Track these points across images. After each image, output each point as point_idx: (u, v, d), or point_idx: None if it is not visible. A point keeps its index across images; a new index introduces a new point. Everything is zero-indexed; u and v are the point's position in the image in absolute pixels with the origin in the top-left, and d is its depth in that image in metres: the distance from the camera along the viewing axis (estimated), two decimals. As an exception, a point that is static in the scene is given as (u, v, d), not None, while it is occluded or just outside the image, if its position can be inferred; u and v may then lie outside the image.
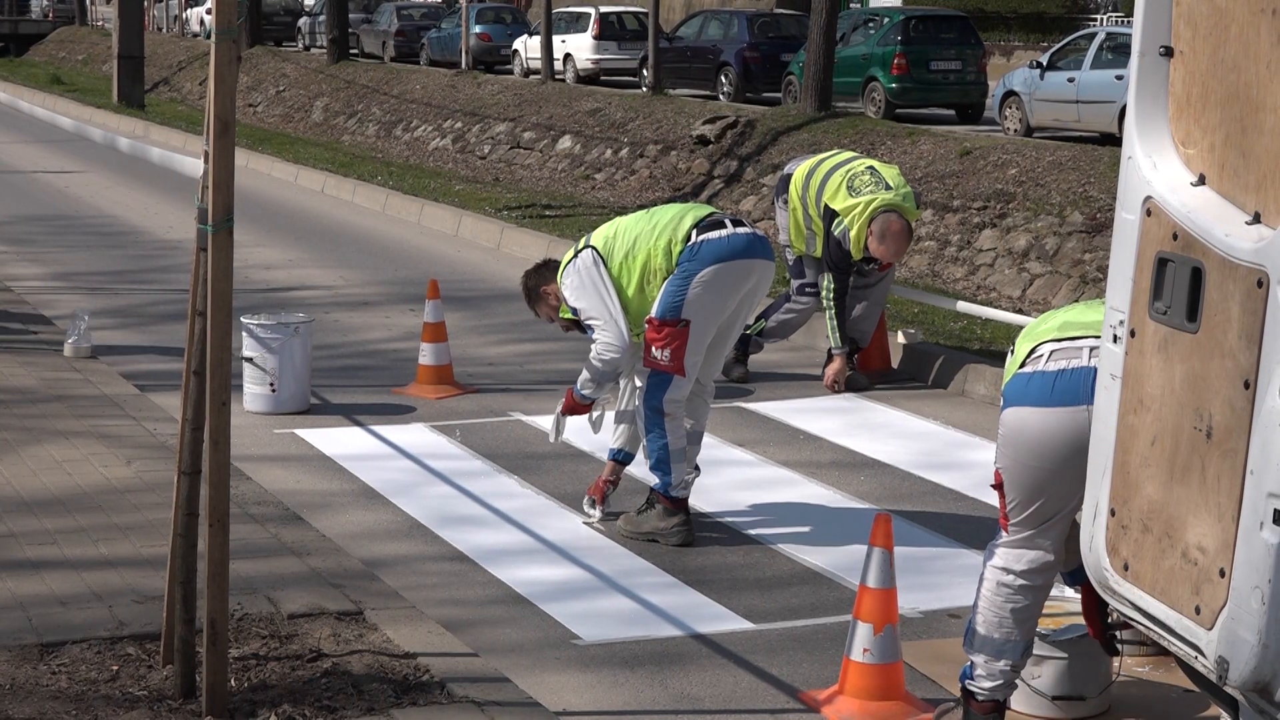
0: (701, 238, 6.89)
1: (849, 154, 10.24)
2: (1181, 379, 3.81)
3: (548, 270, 7.34)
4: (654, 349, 6.90)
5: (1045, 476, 4.76)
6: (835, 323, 9.65)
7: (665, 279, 6.92)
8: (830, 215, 9.53)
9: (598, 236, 7.14)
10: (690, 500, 7.30)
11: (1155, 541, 3.91)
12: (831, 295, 9.64)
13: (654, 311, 6.90)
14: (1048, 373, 4.72)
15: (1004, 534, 4.93)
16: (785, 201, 9.93)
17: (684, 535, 6.95)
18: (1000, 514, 4.96)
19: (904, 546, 6.12)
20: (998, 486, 4.93)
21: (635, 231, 7.03)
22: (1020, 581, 4.88)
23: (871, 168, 9.66)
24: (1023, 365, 4.83)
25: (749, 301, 7.09)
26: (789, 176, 9.96)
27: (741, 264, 6.91)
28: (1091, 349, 4.64)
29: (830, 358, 9.80)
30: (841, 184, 9.55)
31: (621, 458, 7.30)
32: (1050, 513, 4.82)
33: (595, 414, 7.36)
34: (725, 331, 7.10)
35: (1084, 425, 4.54)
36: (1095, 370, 4.49)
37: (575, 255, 7.13)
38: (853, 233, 9.44)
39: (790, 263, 10.04)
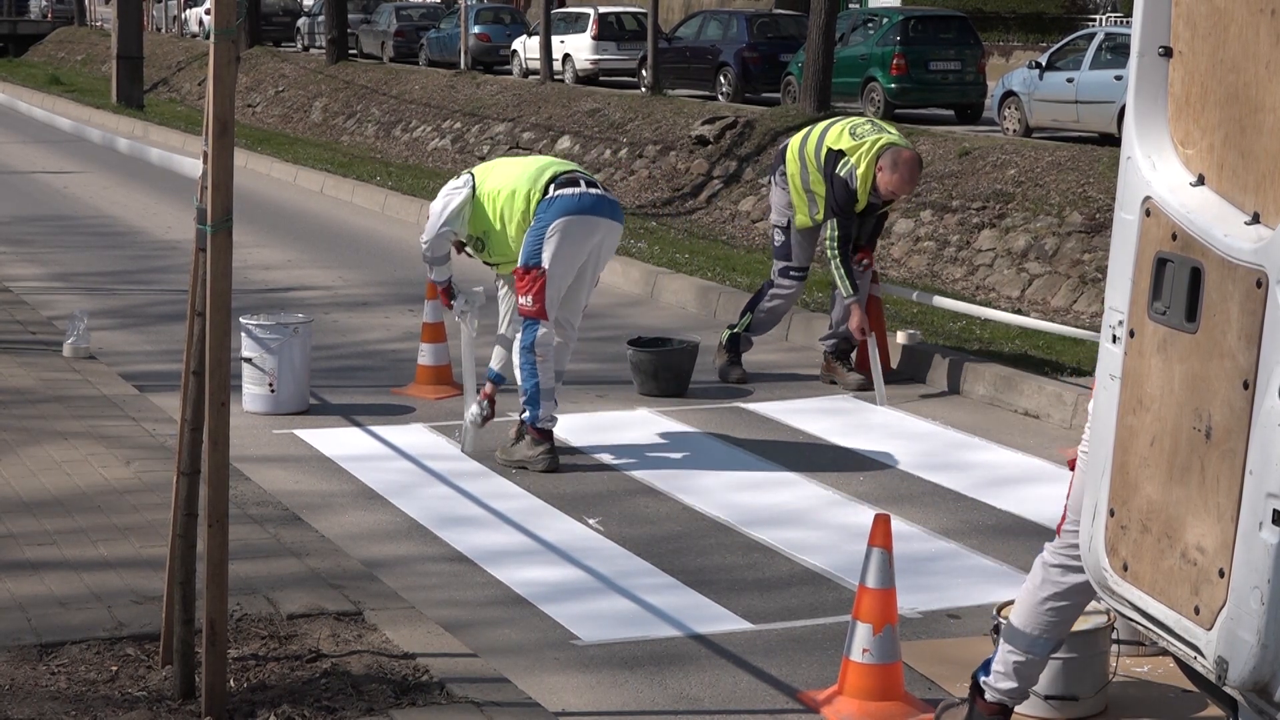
0: (557, 193, 7.89)
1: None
2: (1181, 379, 3.81)
3: None
4: (520, 296, 7.95)
5: None
6: (843, 270, 9.47)
7: (520, 222, 7.91)
8: (835, 157, 9.42)
9: (480, 168, 8.26)
10: (688, 500, 7.49)
11: (1154, 542, 3.91)
12: (835, 242, 9.46)
13: (519, 262, 7.89)
14: None
15: (1058, 536, 4.85)
16: (782, 174, 9.85)
17: (549, 461, 7.94)
18: (1064, 510, 4.86)
19: (903, 547, 6.12)
20: (1074, 466, 4.80)
21: (509, 172, 8.08)
22: (1063, 585, 4.83)
23: (871, 120, 9.78)
24: None
25: (598, 255, 8.06)
26: (784, 151, 9.92)
27: (588, 219, 7.91)
28: None
29: (847, 311, 9.61)
30: (844, 130, 9.57)
31: (494, 378, 8.32)
32: None
33: (463, 319, 8.35)
34: (579, 281, 8.07)
35: None
36: None
37: (459, 175, 8.31)
38: (860, 170, 9.34)
39: (776, 245, 9.98)
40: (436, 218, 8.09)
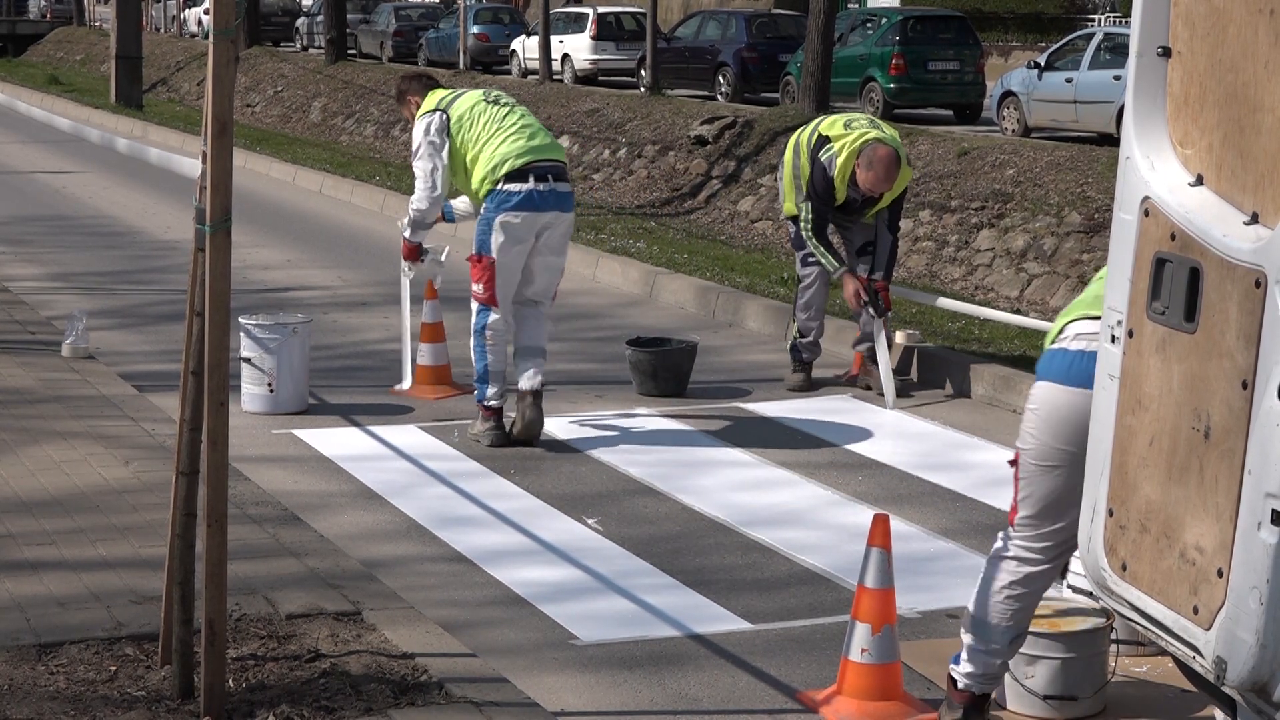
0: (505, 187, 8.25)
1: None
2: (1179, 379, 3.81)
3: (421, 86, 8.78)
4: (473, 283, 8.42)
5: (1056, 457, 4.79)
6: (822, 249, 9.52)
7: (476, 188, 8.32)
8: (822, 142, 9.47)
9: (457, 107, 8.43)
10: (687, 500, 7.52)
11: (1153, 542, 3.91)
12: (809, 225, 9.51)
13: (472, 248, 8.37)
14: (1069, 351, 4.79)
15: (1011, 529, 4.96)
16: (782, 163, 9.89)
17: (494, 436, 8.41)
18: (1011, 503, 4.97)
19: (902, 547, 6.11)
20: (1014, 464, 4.94)
21: (478, 134, 8.34)
22: (1019, 574, 4.93)
23: (873, 119, 9.76)
24: (1054, 341, 4.90)
25: (550, 243, 8.42)
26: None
27: (529, 216, 8.28)
28: None
29: (840, 283, 9.59)
30: (840, 121, 9.61)
31: (449, 214, 8.94)
32: (1055, 506, 4.83)
33: (428, 266, 9.03)
34: (539, 267, 8.46)
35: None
36: None
37: (435, 110, 8.44)
38: (840, 159, 9.35)
39: (792, 235, 9.97)
40: (432, 186, 8.43)
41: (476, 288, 8.41)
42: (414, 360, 9.51)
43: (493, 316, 8.39)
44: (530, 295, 8.55)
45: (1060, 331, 4.91)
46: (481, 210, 8.36)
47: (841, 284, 9.57)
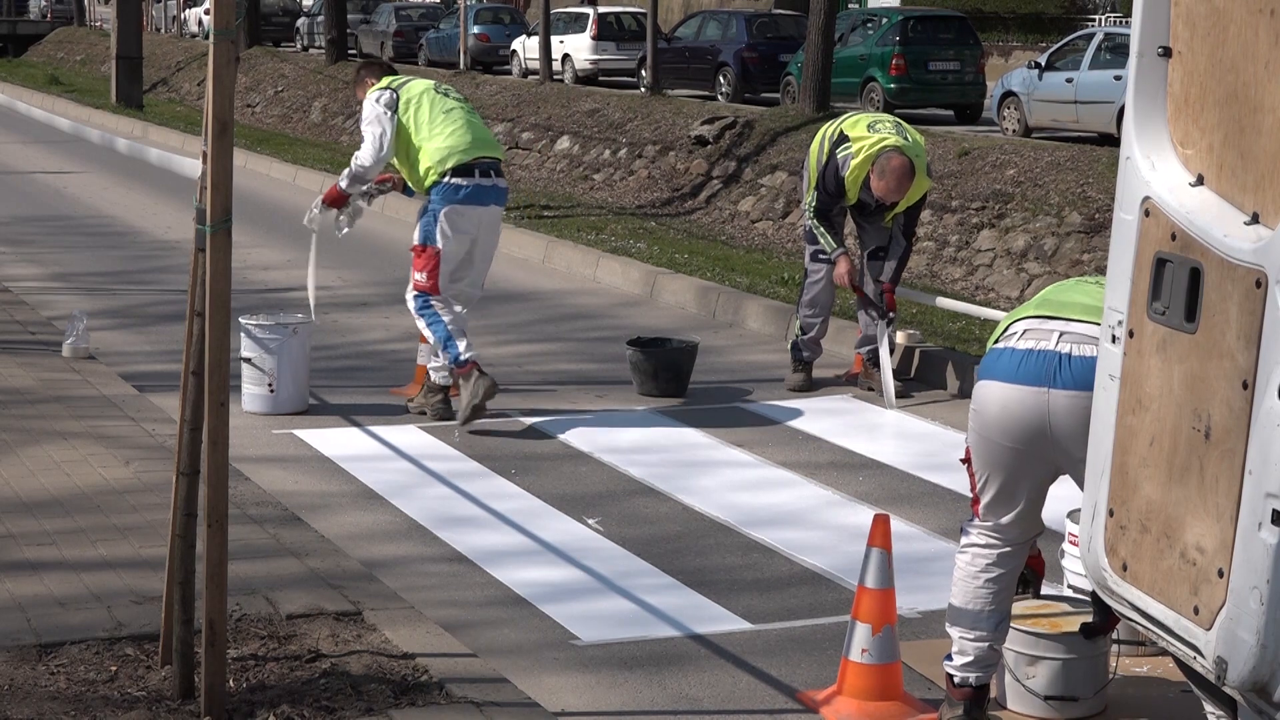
0: (453, 180, 8.67)
1: None
2: (1180, 379, 3.81)
3: (378, 70, 9.21)
4: (415, 273, 8.79)
5: (1008, 456, 4.88)
6: (823, 229, 9.52)
7: (419, 175, 8.73)
8: (842, 140, 9.42)
9: (407, 89, 8.84)
10: (688, 500, 7.54)
11: (1154, 542, 3.91)
12: (813, 210, 9.53)
13: (415, 239, 8.78)
14: (1017, 350, 4.86)
15: (976, 519, 5.06)
16: (806, 159, 9.86)
17: (487, 385, 8.55)
18: (971, 495, 5.08)
19: (903, 547, 6.12)
20: (966, 461, 5.04)
21: (422, 120, 8.75)
22: (991, 556, 5.01)
23: (898, 122, 9.65)
24: (998, 340, 4.97)
25: (486, 234, 8.90)
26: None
27: (471, 209, 8.74)
28: (1061, 334, 4.80)
29: (833, 263, 9.55)
30: (866, 122, 9.53)
31: (396, 187, 9.37)
32: (1014, 500, 4.93)
33: (343, 219, 9.25)
34: (470, 257, 8.91)
35: (1044, 408, 4.76)
36: (1060, 355, 4.75)
37: (386, 89, 8.86)
38: (855, 160, 9.30)
39: (805, 230, 9.94)
40: (380, 148, 8.75)
41: (419, 276, 8.73)
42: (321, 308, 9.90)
43: (433, 299, 8.73)
44: (467, 283, 8.94)
45: (1005, 330, 4.96)
46: (427, 203, 8.73)
47: (836, 264, 9.53)
